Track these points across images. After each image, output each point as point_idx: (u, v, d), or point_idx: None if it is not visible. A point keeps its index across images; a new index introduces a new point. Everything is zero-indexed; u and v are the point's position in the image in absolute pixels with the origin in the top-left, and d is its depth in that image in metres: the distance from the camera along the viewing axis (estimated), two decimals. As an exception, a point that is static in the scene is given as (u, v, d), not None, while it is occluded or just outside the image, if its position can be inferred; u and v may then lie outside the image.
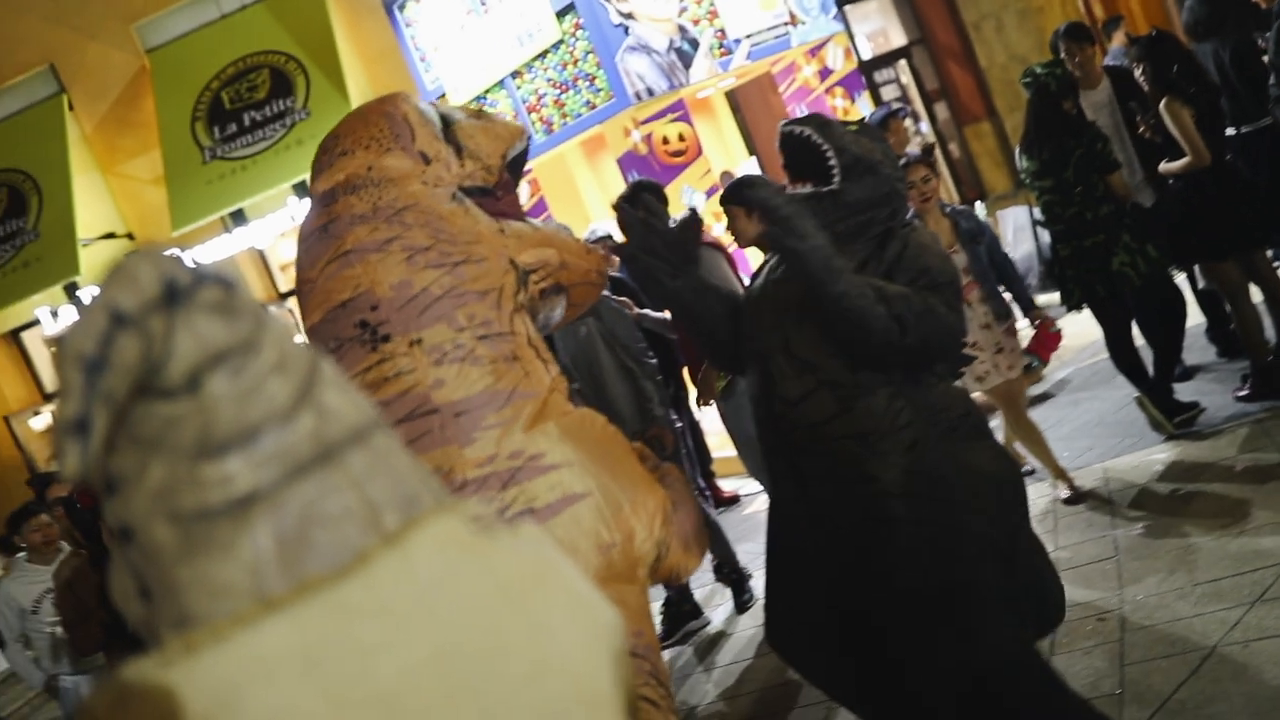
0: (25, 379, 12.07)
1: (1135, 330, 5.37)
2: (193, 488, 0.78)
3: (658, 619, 5.55)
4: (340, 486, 0.83)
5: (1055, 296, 5.47)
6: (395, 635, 0.80)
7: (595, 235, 6.37)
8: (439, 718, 0.80)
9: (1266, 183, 5.10)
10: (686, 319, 3.25)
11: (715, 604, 5.70)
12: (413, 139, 2.45)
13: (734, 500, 7.13)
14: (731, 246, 5.40)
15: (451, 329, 2.17)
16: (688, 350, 5.54)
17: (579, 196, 9.72)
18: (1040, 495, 4.93)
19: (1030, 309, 5.09)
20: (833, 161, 2.93)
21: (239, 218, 10.44)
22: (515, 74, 8.92)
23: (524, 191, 8.61)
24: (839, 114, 9.94)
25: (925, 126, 11.99)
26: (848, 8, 11.09)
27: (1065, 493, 4.90)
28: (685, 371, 6.17)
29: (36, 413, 11.82)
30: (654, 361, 5.43)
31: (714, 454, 7.38)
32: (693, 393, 5.70)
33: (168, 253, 0.84)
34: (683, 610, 5.48)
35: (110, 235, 10.89)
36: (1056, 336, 5.04)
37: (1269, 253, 5.26)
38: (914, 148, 6.40)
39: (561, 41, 8.53)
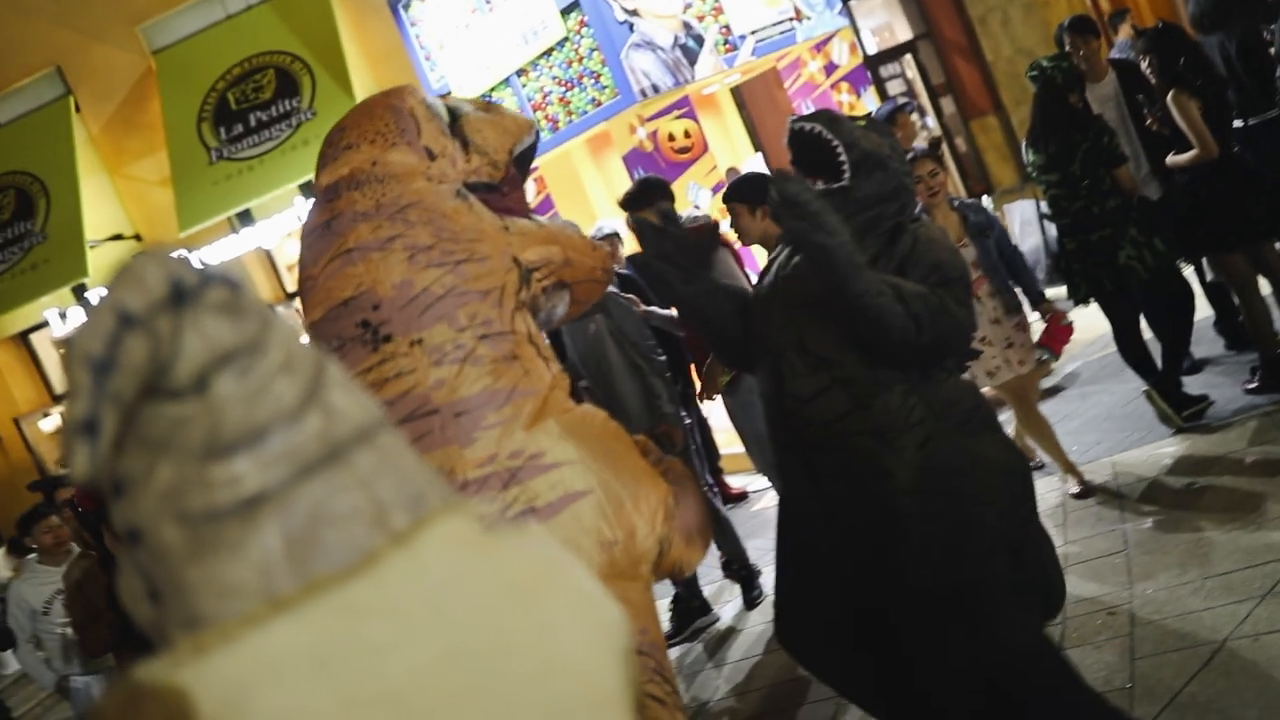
0: (34, 381, 12.11)
1: (1143, 323, 5.36)
2: (201, 488, 0.79)
3: (666, 615, 5.55)
4: (348, 486, 0.83)
5: (1063, 290, 5.45)
6: (404, 635, 0.80)
7: (602, 232, 6.38)
8: (450, 716, 0.80)
9: (1273, 174, 5.08)
10: (697, 321, 3.25)
11: (724, 600, 5.70)
12: (418, 134, 2.43)
13: (742, 497, 7.13)
14: (736, 244, 5.41)
15: (452, 329, 2.17)
16: (695, 347, 5.53)
17: (585, 194, 9.72)
18: (1049, 490, 4.92)
19: (1040, 302, 5.07)
20: (843, 158, 2.92)
21: (246, 218, 10.46)
22: (520, 72, 8.92)
23: (530, 189, 8.61)
24: (845, 109, 9.93)
25: (931, 121, 11.97)
26: (853, 3, 11.08)
27: (1075, 487, 4.89)
28: (693, 368, 6.17)
29: (46, 414, 11.86)
30: (663, 358, 5.43)
31: (722, 450, 7.38)
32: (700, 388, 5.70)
33: (174, 253, 0.84)
34: (691, 607, 5.48)
35: (118, 237, 10.93)
36: (1068, 329, 5.01)
37: (1277, 245, 5.24)
38: (921, 142, 6.38)
39: (566, 39, 8.53)
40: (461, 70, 9.29)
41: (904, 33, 12.59)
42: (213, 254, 10.46)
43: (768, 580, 5.45)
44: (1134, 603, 3.81)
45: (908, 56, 12.34)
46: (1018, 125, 11.50)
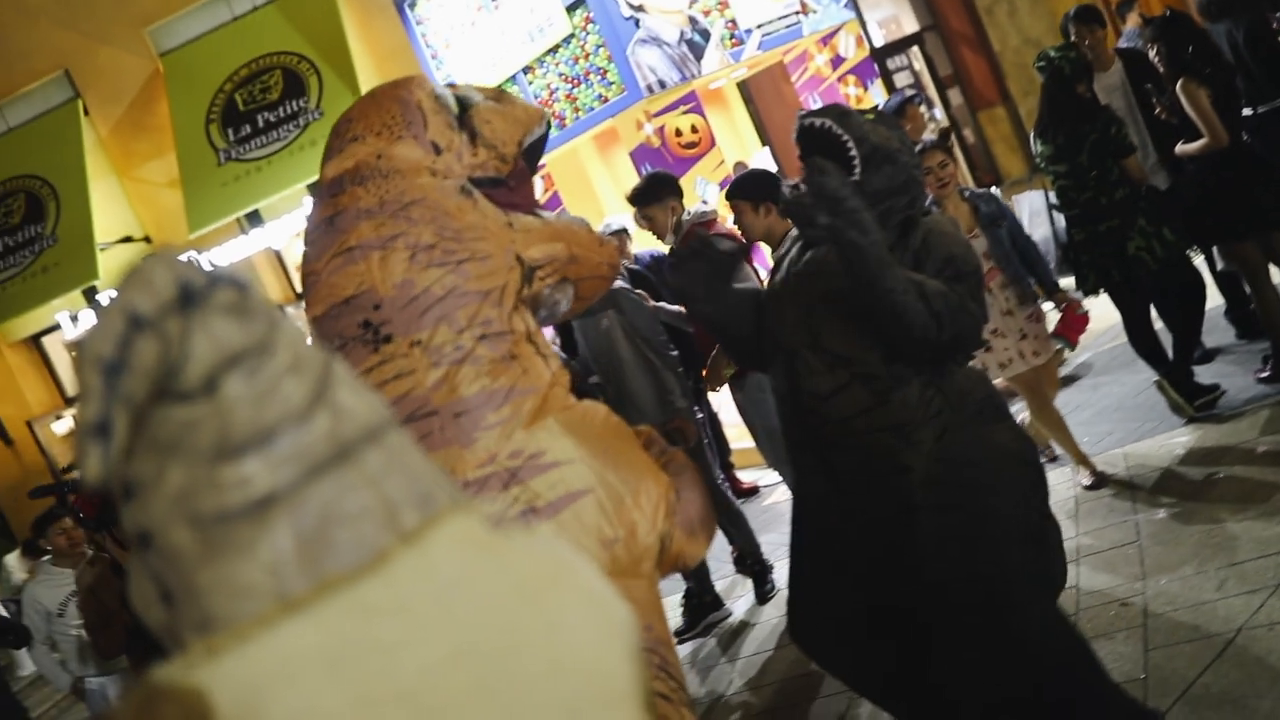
0: (46, 383, 12.16)
1: (1154, 313, 5.34)
2: (211, 490, 0.79)
3: (678, 611, 5.56)
4: (357, 485, 0.83)
5: (1073, 280, 5.44)
6: (415, 634, 0.80)
7: (610, 229, 6.37)
8: (461, 715, 0.80)
9: (1283, 162, 5.06)
10: (718, 334, 3.25)
11: (736, 595, 5.70)
12: (424, 127, 2.41)
13: (753, 492, 7.13)
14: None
15: (452, 330, 2.17)
16: (705, 343, 5.53)
17: (592, 190, 9.72)
18: (1061, 481, 4.91)
19: (1055, 291, 5.05)
20: (853, 152, 2.91)
21: (255, 219, 10.48)
22: (527, 69, 8.92)
23: (538, 186, 8.61)
24: (852, 102, 9.91)
25: (939, 113, 11.94)
26: (859, -5, 11.04)
27: (1087, 479, 4.88)
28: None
29: (58, 416, 11.90)
30: (675, 354, 5.43)
31: (733, 445, 7.38)
32: (710, 383, 5.70)
33: (181, 256, 0.85)
34: (704, 602, 5.49)
35: (127, 239, 10.96)
36: (1084, 318, 4.99)
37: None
38: (930, 134, 6.37)
39: (572, 36, 8.53)
40: (467, 68, 9.29)
41: (910, 25, 12.56)
42: (222, 255, 10.49)
43: (780, 575, 5.45)
44: (1147, 594, 3.80)
45: (914, 48, 12.31)
46: (1025, 116, 11.47)
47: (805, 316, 2.95)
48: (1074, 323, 4.96)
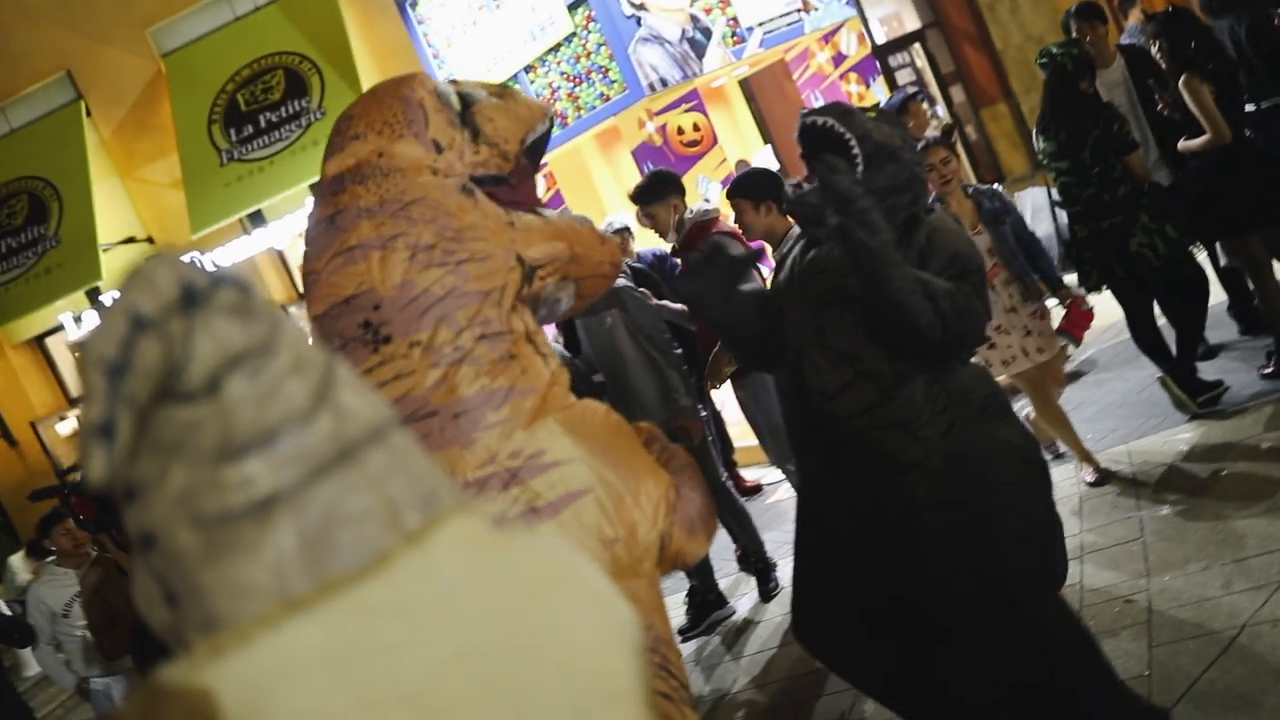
0: (50, 384, 12.18)
1: (1157, 309, 5.33)
2: (214, 491, 0.79)
3: (682, 609, 5.56)
4: (360, 486, 0.83)
5: (1075, 277, 5.44)
6: (417, 635, 0.80)
7: (612, 228, 6.37)
8: (464, 716, 0.80)
9: (1287, 158, 5.05)
10: (723, 335, 3.24)
11: (740, 593, 5.70)
12: (426, 125, 2.40)
13: (756, 490, 7.13)
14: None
15: (451, 330, 2.16)
16: (708, 341, 5.53)
17: (594, 189, 9.73)
18: (1065, 478, 4.91)
19: (1059, 288, 5.03)
20: (855, 151, 2.91)
21: (257, 219, 10.49)
22: (528, 68, 8.92)
23: (540, 185, 8.63)
24: (854, 99, 9.90)
25: (941, 110, 11.93)
26: (860, -8, 11.04)
27: (1090, 475, 4.87)
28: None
29: (62, 417, 11.92)
30: (679, 352, 5.43)
31: (736, 443, 7.38)
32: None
33: (184, 256, 0.85)
34: (707, 600, 5.49)
35: (130, 240, 10.97)
36: (1089, 315, 4.96)
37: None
38: (933, 131, 6.35)
39: (574, 34, 8.53)
40: (469, 67, 9.29)
41: (912, 22, 12.55)
42: (225, 255, 10.50)
43: (783, 572, 5.45)
44: (1151, 590, 3.80)
45: (916, 45, 12.30)
46: (1028, 113, 11.47)
47: (810, 315, 2.95)
48: (1079, 319, 4.95)
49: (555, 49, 8.70)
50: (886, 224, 2.80)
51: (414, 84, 2.49)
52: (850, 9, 9.99)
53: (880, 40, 11.75)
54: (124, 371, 0.78)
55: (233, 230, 10.53)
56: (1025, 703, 2.80)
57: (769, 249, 5.26)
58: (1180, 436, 4.94)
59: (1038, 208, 7.25)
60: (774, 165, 9.44)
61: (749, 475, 7.30)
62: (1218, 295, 5.72)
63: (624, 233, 6.40)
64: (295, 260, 11.36)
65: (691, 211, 5.47)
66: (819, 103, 9.66)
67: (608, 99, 8.54)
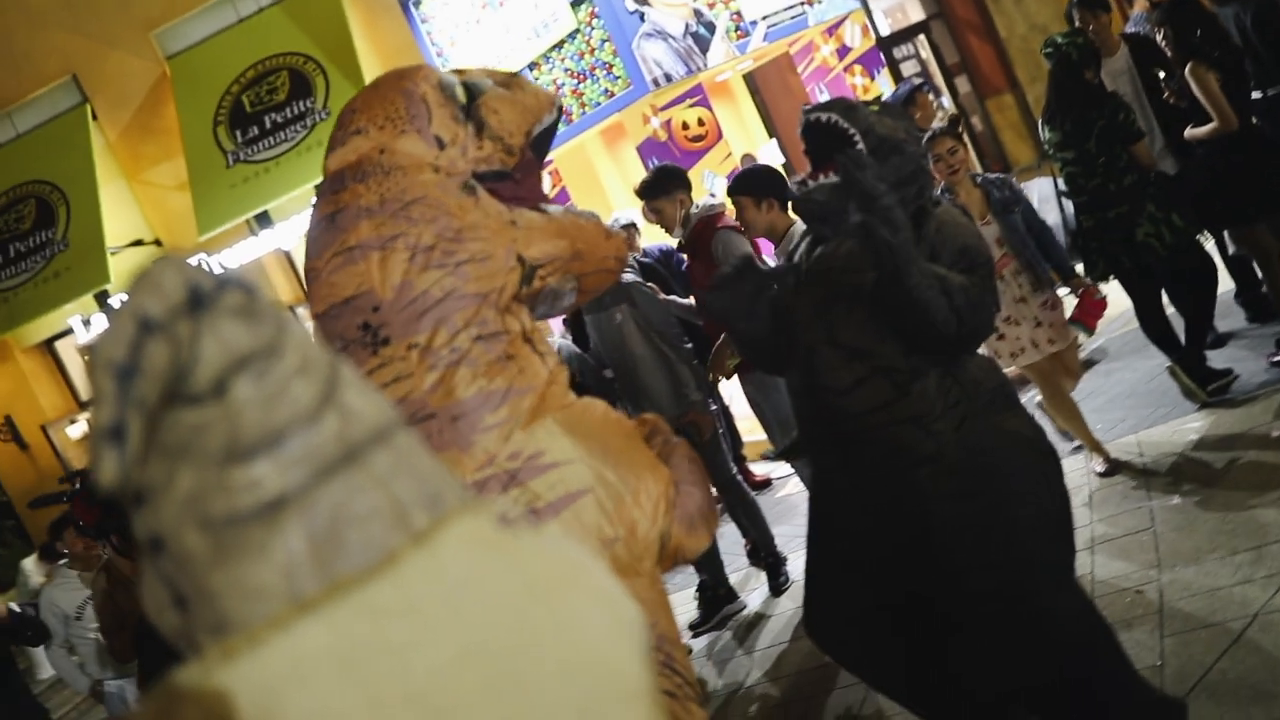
0: (60, 387, 12.21)
1: (1166, 298, 5.32)
2: (222, 493, 0.79)
3: (693, 605, 5.56)
4: (367, 486, 0.83)
5: (1082, 267, 5.42)
6: (425, 634, 0.80)
7: (618, 224, 6.38)
8: (473, 715, 0.80)
9: (1293, 145, 5.04)
10: (743, 344, 3.23)
11: (751, 587, 5.70)
12: (429, 120, 2.38)
13: (766, 484, 7.13)
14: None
15: (449, 332, 2.15)
16: (714, 336, 5.54)
17: (600, 185, 9.73)
18: (1075, 469, 4.90)
19: (1071, 277, 5.01)
20: (860, 145, 2.91)
21: (264, 220, 10.51)
22: (532, 65, 8.92)
23: (546, 182, 8.63)
24: (859, 92, 9.89)
25: (947, 101, 11.90)
26: (864, -16, 11.01)
27: (1100, 466, 4.86)
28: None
29: (72, 421, 11.96)
30: (689, 347, 5.43)
31: (745, 438, 7.38)
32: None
33: (191, 259, 0.85)
34: (718, 595, 5.49)
35: (138, 242, 10.99)
36: (1101, 304, 4.94)
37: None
38: (939, 122, 6.34)
39: (577, 31, 8.52)
40: (473, 66, 9.30)
41: (916, 13, 12.52)
42: (232, 257, 10.52)
43: (793, 566, 5.45)
44: (1163, 580, 3.79)
45: (921, 37, 12.27)
46: (1034, 103, 11.43)
47: (819, 312, 2.94)
48: (1091, 308, 4.92)
49: (559, 46, 8.70)
50: (906, 218, 2.80)
51: (417, 78, 2.47)
52: (854, 1, 9.97)
53: (884, 32, 11.73)
54: (133, 374, 0.79)
55: (239, 232, 10.55)
56: (1041, 694, 2.80)
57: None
58: (1190, 426, 4.93)
59: (1044, 198, 7.23)
60: (779, 159, 9.44)
61: (758, 470, 7.30)
62: (1226, 283, 5.71)
63: (630, 229, 6.40)
64: (302, 261, 11.36)
65: (697, 207, 5.47)
66: (824, 96, 9.64)
67: (612, 95, 8.53)
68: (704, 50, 8.46)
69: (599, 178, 9.85)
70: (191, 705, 0.75)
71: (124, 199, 11.03)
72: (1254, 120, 5.09)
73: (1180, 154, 5.47)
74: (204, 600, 0.80)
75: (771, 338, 3.09)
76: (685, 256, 5.72)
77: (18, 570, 10.20)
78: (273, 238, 10.61)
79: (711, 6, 8.58)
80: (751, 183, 4.93)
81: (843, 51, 9.98)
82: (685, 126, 8.61)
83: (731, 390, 6.54)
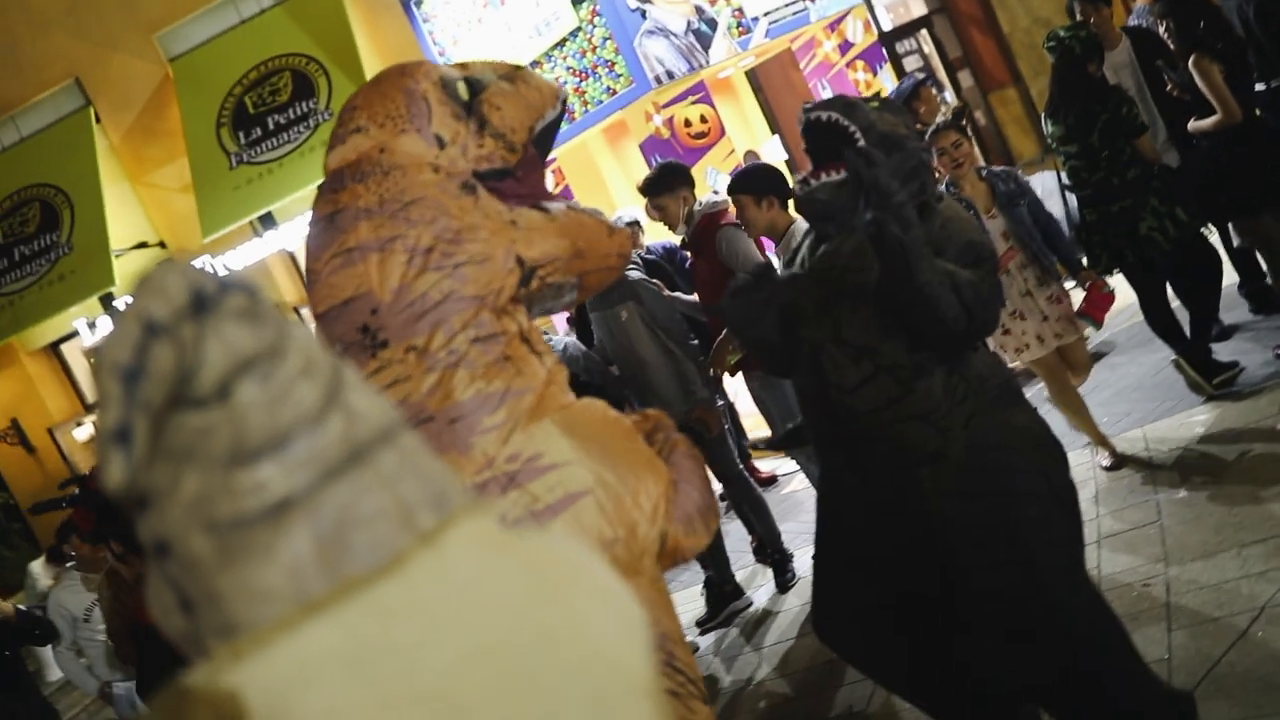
0: (66, 390, 12.24)
1: (1171, 292, 5.31)
2: (228, 496, 0.79)
3: (699, 602, 5.57)
4: (372, 487, 0.83)
5: (1085, 261, 5.41)
6: (434, 634, 0.81)
7: (622, 222, 6.37)
8: (482, 713, 0.81)
9: (1297, 136, 5.02)
10: (759, 351, 3.22)
11: (757, 584, 5.70)
12: (429, 119, 2.35)
13: (772, 481, 7.13)
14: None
15: (446, 334, 2.14)
16: (718, 332, 5.54)
17: (603, 183, 9.72)
18: (1080, 463, 4.89)
19: (1079, 270, 4.99)
20: (861, 143, 2.90)
21: (268, 221, 10.52)
22: (534, 64, 8.92)
23: (549, 180, 8.64)
24: (861, 87, 9.88)
25: (950, 96, 11.88)
26: (865, -21, 11.00)
27: (1106, 460, 4.85)
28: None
29: (79, 423, 11.97)
30: (695, 343, 5.43)
31: (750, 435, 7.37)
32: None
33: (195, 261, 0.85)
34: (724, 591, 5.49)
35: (142, 245, 11.01)
36: (1109, 297, 4.89)
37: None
38: (943, 115, 6.32)
39: (579, 29, 8.52)
40: (478, 58, 9.31)
41: (919, 7, 12.50)
42: (237, 258, 10.53)
43: (800, 563, 5.45)
44: (1169, 574, 3.78)
45: (923, 31, 12.25)
46: (1037, 96, 11.41)
47: (825, 311, 2.93)
48: (1099, 301, 4.88)
49: (561, 44, 8.70)
50: (916, 215, 2.79)
51: (419, 74, 2.44)
52: (855, -4, 9.96)
53: (886, 27, 11.71)
54: (139, 376, 0.79)
55: (244, 233, 10.56)
56: (1050, 690, 2.79)
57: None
58: (1196, 419, 4.92)
59: (1047, 192, 7.22)
60: (782, 155, 9.43)
61: (764, 466, 7.30)
62: (1230, 276, 5.70)
63: (634, 226, 6.39)
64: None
65: (700, 204, 5.47)
66: (826, 91, 9.63)
67: (614, 93, 8.53)
68: (706, 47, 8.46)
69: (602, 176, 9.85)
70: (202, 706, 0.75)
71: (128, 201, 11.04)
72: (1257, 112, 5.08)
73: (1182, 146, 5.46)
74: (211, 603, 0.80)
75: (782, 342, 3.08)
76: (689, 253, 5.72)
77: (25, 573, 10.22)
78: (277, 239, 10.62)
79: (713, 3, 8.58)
80: (751, 181, 4.93)
81: (845, 47, 9.97)
82: (688, 123, 8.61)
83: (736, 387, 6.55)
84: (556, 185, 9.14)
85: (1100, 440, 4.89)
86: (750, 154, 9.14)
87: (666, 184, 5.53)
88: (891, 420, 2.82)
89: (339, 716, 0.76)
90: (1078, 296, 4.99)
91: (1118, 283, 5.40)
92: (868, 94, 9.81)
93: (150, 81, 10.88)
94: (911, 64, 11.77)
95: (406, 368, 2.14)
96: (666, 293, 5.51)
